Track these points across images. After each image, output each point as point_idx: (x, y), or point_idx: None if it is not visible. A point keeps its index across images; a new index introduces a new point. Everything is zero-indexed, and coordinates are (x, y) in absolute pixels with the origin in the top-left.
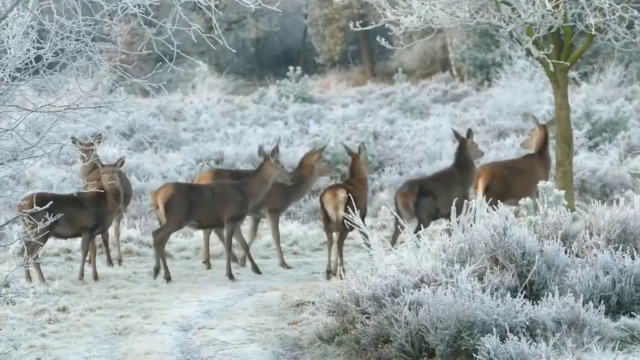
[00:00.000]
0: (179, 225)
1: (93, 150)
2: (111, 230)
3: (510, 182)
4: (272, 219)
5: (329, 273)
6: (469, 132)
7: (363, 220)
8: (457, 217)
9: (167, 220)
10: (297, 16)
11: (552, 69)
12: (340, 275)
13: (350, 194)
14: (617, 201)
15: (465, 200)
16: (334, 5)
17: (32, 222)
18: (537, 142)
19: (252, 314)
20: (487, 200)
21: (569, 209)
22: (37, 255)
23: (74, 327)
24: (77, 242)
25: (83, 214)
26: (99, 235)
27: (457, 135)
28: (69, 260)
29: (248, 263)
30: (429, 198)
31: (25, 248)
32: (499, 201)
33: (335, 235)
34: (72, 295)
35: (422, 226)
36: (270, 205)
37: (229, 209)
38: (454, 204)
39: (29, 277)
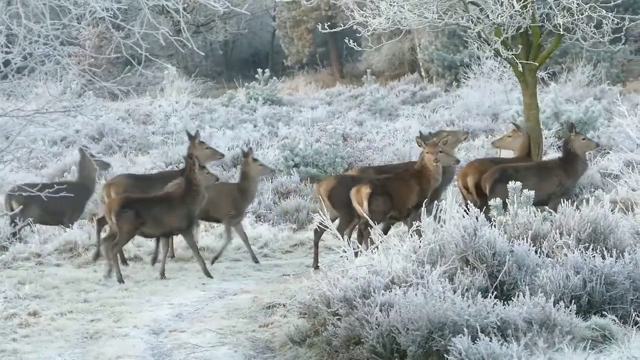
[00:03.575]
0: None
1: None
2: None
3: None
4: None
5: None
6: (572, 126)
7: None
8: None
9: None
10: (265, 18)
11: (520, 69)
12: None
13: (376, 190)
14: (587, 201)
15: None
16: (302, 8)
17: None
18: (521, 147)
19: (223, 316)
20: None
21: (539, 209)
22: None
23: (45, 331)
24: (47, 246)
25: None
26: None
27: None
28: (40, 265)
29: (216, 265)
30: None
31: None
32: None
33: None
34: (43, 300)
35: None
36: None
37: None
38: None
39: None
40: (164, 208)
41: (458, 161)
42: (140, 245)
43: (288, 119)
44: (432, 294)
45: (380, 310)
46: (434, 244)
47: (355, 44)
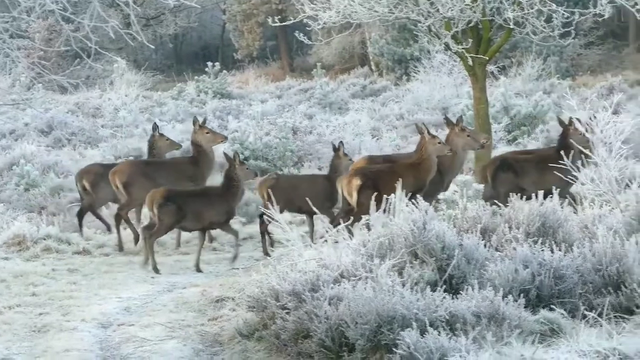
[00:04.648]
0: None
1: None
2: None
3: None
4: None
5: None
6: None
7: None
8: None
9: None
10: (216, 12)
11: (470, 63)
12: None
13: (368, 181)
14: (536, 195)
15: None
16: (252, 1)
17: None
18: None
19: (171, 310)
20: None
21: (488, 203)
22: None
23: None
24: None
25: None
26: None
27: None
28: None
29: (165, 259)
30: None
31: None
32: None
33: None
34: None
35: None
36: None
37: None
38: None
39: None
40: (205, 203)
41: (482, 145)
42: (90, 238)
43: (238, 112)
44: (381, 287)
45: (329, 304)
46: (383, 237)
47: (305, 37)
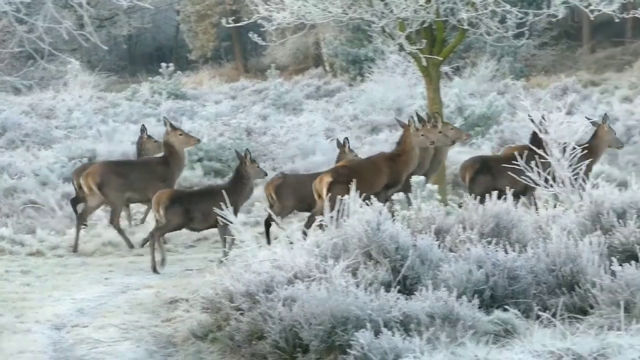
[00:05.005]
0: None
1: None
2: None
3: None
4: None
5: None
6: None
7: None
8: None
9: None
10: (170, 12)
11: (424, 63)
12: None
13: (339, 177)
14: (490, 195)
15: None
16: (206, 2)
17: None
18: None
19: (125, 311)
20: None
21: (442, 203)
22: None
23: None
24: None
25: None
26: None
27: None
28: None
29: (119, 260)
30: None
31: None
32: None
33: None
34: None
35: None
36: None
37: None
38: None
39: None
40: (212, 202)
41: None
42: (43, 240)
43: (192, 113)
44: (335, 288)
45: (283, 305)
46: (337, 238)
47: (259, 38)
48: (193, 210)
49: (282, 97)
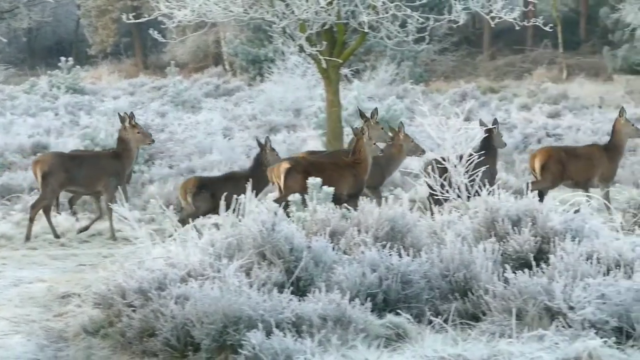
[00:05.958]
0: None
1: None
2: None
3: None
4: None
5: None
6: (495, 121)
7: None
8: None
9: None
10: (70, 7)
11: (324, 65)
12: None
13: (297, 166)
14: (386, 199)
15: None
16: None
17: None
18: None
19: (17, 305)
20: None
21: (337, 206)
22: None
23: None
24: None
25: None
26: None
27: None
28: None
29: (12, 253)
30: None
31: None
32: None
33: None
34: None
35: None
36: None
37: None
38: None
39: None
40: (235, 188)
41: (424, 151)
42: None
43: (90, 108)
44: (228, 288)
45: (176, 303)
46: (231, 237)
47: (159, 35)
48: (219, 196)
49: (180, 95)
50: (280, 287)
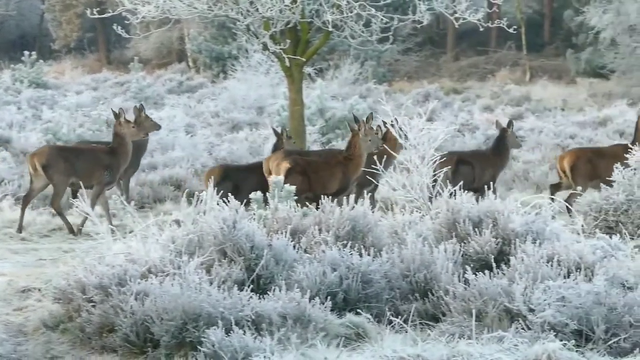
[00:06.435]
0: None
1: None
2: None
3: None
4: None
5: None
6: (510, 122)
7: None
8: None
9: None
10: (35, 1)
11: (287, 64)
12: None
13: (297, 166)
14: (347, 198)
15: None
16: None
17: None
18: None
19: None
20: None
21: (299, 204)
22: None
23: None
24: None
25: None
26: None
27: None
28: None
29: None
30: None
31: None
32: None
33: None
34: None
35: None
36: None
37: None
38: None
39: None
40: (258, 177)
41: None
42: None
43: (53, 102)
44: (188, 284)
45: (136, 299)
46: (192, 234)
47: (123, 30)
48: (243, 185)
49: (143, 91)
50: (241, 285)
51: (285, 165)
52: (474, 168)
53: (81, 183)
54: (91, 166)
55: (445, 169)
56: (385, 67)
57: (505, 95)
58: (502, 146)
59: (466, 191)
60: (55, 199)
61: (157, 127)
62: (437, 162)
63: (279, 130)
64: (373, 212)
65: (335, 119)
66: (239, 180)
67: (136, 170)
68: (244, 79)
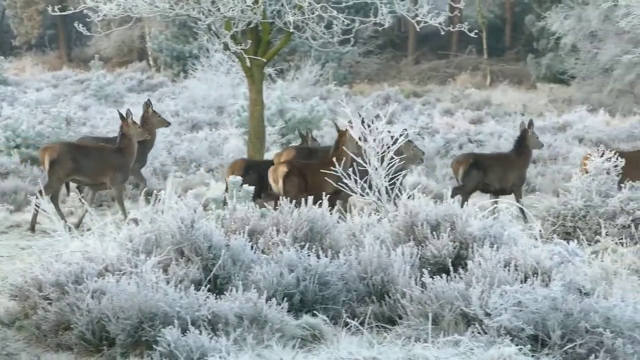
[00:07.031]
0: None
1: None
2: None
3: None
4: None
5: None
6: (530, 123)
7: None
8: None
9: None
10: None
11: (248, 64)
12: None
13: (294, 170)
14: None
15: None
16: None
17: None
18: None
19: None
20: None
21: (257, 205)
22: None
23: None
24: None
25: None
26: None
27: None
28: None
29: None
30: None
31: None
32: None
33: None
34: None
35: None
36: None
37: None
38: None
39: None
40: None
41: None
42: None
43: (12, 99)
44: (145, 283)
45: (92, 297)
46: (150, 233)
47: (84, 28)
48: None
49: (104, 89)
50: (198, 285)
51: (283, 169)
52: (487, 171)
53: (87, 181)
54: (98, 166)
55: (461, 169)
56: (346, 69)
57: (465, 99)
58: (524, 146)
59: (487, 193)
60: (47, 189)
61: (166, 123)
62: (453, 162)
63: (304, 132)
64: (331, 214)
65: (295, 120)
66: (262, 173)
67: (143, 165)
68: (205, 79)
